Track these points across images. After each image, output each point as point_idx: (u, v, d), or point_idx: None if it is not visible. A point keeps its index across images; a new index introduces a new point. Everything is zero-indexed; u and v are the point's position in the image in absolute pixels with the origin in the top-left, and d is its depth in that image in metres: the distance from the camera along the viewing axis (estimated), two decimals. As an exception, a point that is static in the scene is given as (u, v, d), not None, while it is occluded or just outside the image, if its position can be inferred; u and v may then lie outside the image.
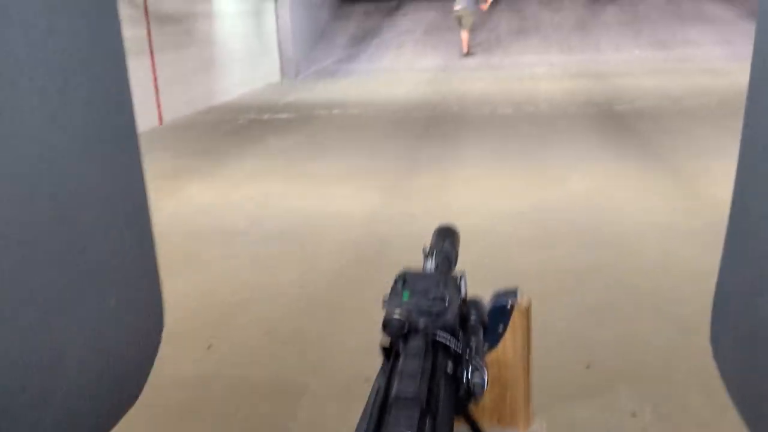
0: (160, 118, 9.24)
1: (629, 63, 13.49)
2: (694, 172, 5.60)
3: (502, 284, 3.59)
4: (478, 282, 3.13)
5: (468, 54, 14.46)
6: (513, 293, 1.07)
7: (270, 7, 13.58)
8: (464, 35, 14.39)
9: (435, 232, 1.07)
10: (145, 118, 8.80)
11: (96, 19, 0.89)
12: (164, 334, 3.08)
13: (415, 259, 3.32)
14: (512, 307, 1.05)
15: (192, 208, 5.28)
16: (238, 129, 8.68)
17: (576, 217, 4.63)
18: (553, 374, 2.68)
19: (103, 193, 0.93)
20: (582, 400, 2.52)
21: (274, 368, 2.87)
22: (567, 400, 2.51)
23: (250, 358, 2.95)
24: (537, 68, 13.58)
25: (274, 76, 13.81)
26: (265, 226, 4.74)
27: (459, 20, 14.28)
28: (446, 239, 1.03)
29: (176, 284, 3.80)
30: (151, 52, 9.06)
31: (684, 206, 4.74)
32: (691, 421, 2.38)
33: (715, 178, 5.38)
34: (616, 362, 2.76)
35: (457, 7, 14.09)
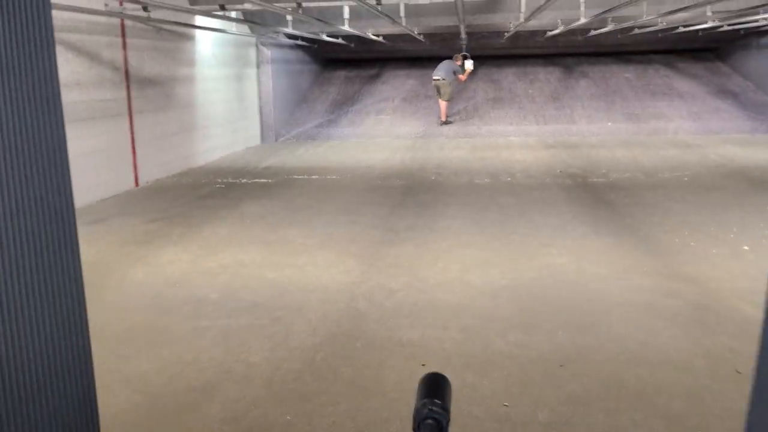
0: (136, 180, 9.13)
1: (602, 134, 13.79)
2: (670, 249, 5.61)
3: (482, 370, 3.47)
4: (458, 368, 3.03)
5: (446, 122, 14.68)
6: None
7: (252, 72, 13.73)
8: (442, 104, 14.64)
9: (421, 383, 0.93)
10: (120, 180, 8.69)
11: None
12: (122, 420, 2.89)
13: (392, 338, 3.22)
14: None
15: (162, 276, 5.12)
16: (214, 193, 8.59)
17: (555, 294, 4.57)
18: (536, 471, 2.55)
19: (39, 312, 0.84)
20: (566, 500, 2.38)
21: (241, 460, 2.70)
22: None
23: (215, 449, 2.78)
24: (513, 137, 13.80)
25: (255, 139, 13.85)
26: (237, 298, 4.60)
27: (438, 89, 14.56)
28: (436, 396, 0.88)
29: (140, 363, 3.62)
30: (130, 114, 9.02)
31: (661, 285, 4.71)
32: None
33: (693, 255, 5.39)
34: (600, 457, 2.64)
35: (436, 76, 14.38)
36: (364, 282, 4.90)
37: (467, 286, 4.77)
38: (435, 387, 0.89)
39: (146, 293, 4.75)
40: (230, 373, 3.47)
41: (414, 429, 0.84)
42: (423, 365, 3.52)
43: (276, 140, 14.23)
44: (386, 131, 14.55)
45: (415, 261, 5.41)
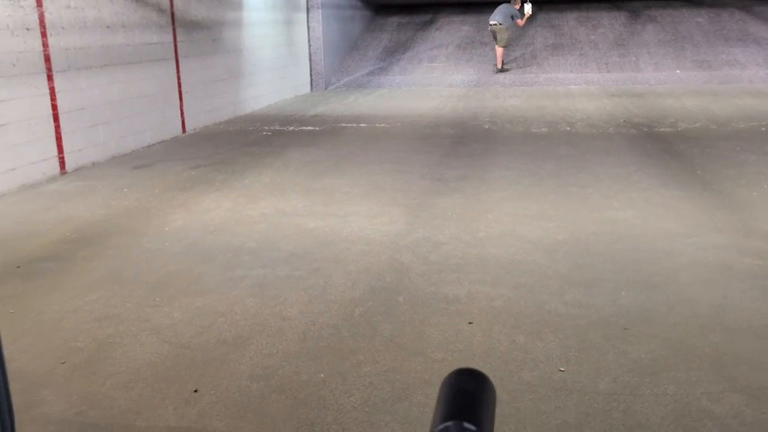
0: (183, 127, 8.99)
1: (670, 83, 12.95)
2: (747, 203, 5.10)
3: (535, 331, 3.14)
4: (509, 328, 2.72)
5: (502, 70, 14.04)
6: None
7: (302, 17, 13.33)
8: (499, 50, 13.98)
9: (445, 387, 0.56)
10: (167, 126, 8.55)
11: None
12: (147, 373, 2.70)
13: (436, 294, 2.91)
14: None
15: (201, 223, 4.94)
16: (260, 140, 8.37)
17: (617, 250, 4.18)
18: (595, 448, 2.25)
19: None
20: (630, 484, 2.08)
21: (267, 423, 2.48)
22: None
23: (240, 409, 2.57)
24: (573, 86, 13.11)
25: (304, 87, 13.54)
26: (275, 248, 4.38)
27: (494, 35, 13.89)
28: (470, 416, 0.52)
29: (171, 312, 3.44)
30: (177, 59, 8.82)
31: (739, 243, 4.26)
32: None
33: (773, 212, 4.89)
34: (670, 436, 2.32)
35: (493, 21, 13.70)
36: (409, 234, 4.61)
37: (520, 240, 4.43)
38: (468, 397, 0.53)
39: (183, 240, 4.58)
40: (263, 326, 3.26)
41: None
42: (470, 323, 3.23)
43: (325, 88, 13.90)
44: (439, 79, 14.02)
45: (464, 212, 5.07)
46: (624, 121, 9.03)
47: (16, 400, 2.62)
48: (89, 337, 3.20)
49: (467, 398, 0.53)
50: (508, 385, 2.67)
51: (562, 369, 2.79)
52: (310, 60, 13.79)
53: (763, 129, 8.13)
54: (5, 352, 2.61)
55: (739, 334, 3.05)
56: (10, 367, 2.85)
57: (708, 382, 2.66)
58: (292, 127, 9.30)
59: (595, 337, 3.06)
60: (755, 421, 2.38)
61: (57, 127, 6.56)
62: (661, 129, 8.35)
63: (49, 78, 6.45)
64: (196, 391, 2.69)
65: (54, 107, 6.51)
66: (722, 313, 3.27)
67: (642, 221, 4.74)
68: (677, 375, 2.71)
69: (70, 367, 2.91)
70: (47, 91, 6.42)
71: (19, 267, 4.14)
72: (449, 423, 0.49)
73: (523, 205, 5.22)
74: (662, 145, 7.36)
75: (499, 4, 13.95)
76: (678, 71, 13.53)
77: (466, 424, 0.49)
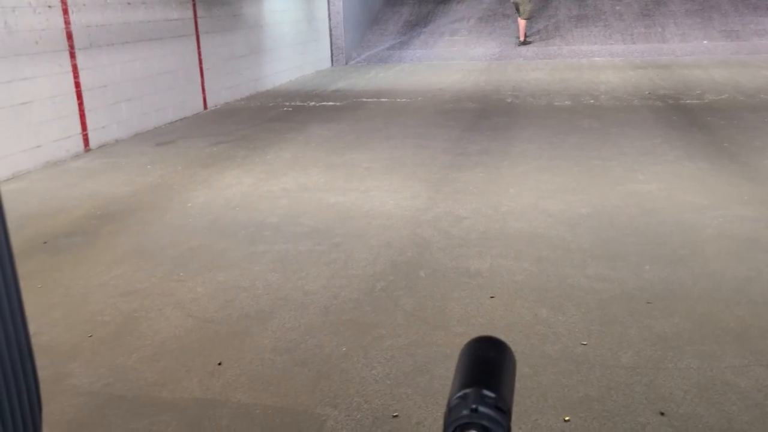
0: (205, 103, 9.01)
1: (697, 53, 12.66)
2: (776, 176, 5.00)
3: (557, 305, 3.13)
4: (531, 302, 2.71)
5: (525, 42, 13.83)
6: None
7: (321, -9, 13.23)
8: (521, 23, 13.76)
9: (464, 356, 0.54)
10: (189, 103, 8.58)
11: None
12: (173, 346, 2.74)
13: (458, 268, 2.90)
14: None
15: (224, 199, 4.97)
16: (281, 116, 8.37)
17: (642, 224, 4.13)
18: (622, 421, 2.24)
19: None
20: (653, 457, 2.07)
21: (290, 395, 2.51)
22: (634, 457, 2.07)
23: (263, 381, 2.60)
24: (597, 58, 12.88)
25: (324, 62, 13.48)
26: (297, 223, 4.40)
27: (516, 7, 13.67)
28: (488, 384, 0.50)
29: (195, 287, 3.48)
30: (197, 35, 8.82)
31: (766, 215, 4.18)
32: (792, 494, 1.92)
33: (803, 184, 4.79)
34: (696, 410, 2.30)
35: (515, -8, 13.47)
36: (430, 208, 4.59)
37: (543, 214, 4.39)
38: (487, 365, 0.52)
39: (206, 216, 4.61)
40: (285, 301, 3.28)
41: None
42: (492, 297, 3.23)
43: (346, 63, 13.82)
44: (460, 53, 13.86)
45: (486, 187, 5.04)
46: (649, 93, 8.86)
47: (45, 372, 2.69)
48: (115, 311, 3.25)
49: (486, 366, 0.52)
50: (530, 359, 2.67)
51: (585, 343, 2.77)
52: (331, 35, 13.71)
53: (794, 100, 7.94)
54: (34, 325, 2.66)
55: (765, 307, 3.01)
56: (39, 340, 2.91)
57: (733, 355, 2.63)
58: (313, 103, 9.28)
59: (618, 311, 3.03)
60: (781, 395, 2.36)
61: (80, 105, 6.61)
62: (687, 101, 8.19)
63: (72, 55, 6.49)
64: (220, 364, 2.73)
65: (77, 85, 6.56)
66: (748, 286, 3.23)
67: (667, 194, 4.67)
68: (701, 348, 2.69)
69: (97, 341, 2.97)
70: (70, 69, 6.47)
71: (46, 242, 4.21)
72: (468, 390, 0.48)
73: (546, 178, 5.17)
74: (688, 117, 7.22)
75: (522, -26, 13.71)
76: (705, 42, 13.23)
77: (485, 391, 0.48)
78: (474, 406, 0.48)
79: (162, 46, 7.98)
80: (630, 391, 2.42)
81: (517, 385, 2.50)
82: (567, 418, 2.27)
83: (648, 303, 3.10)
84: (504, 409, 0.48)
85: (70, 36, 6.45)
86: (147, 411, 2.43)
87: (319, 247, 3.97)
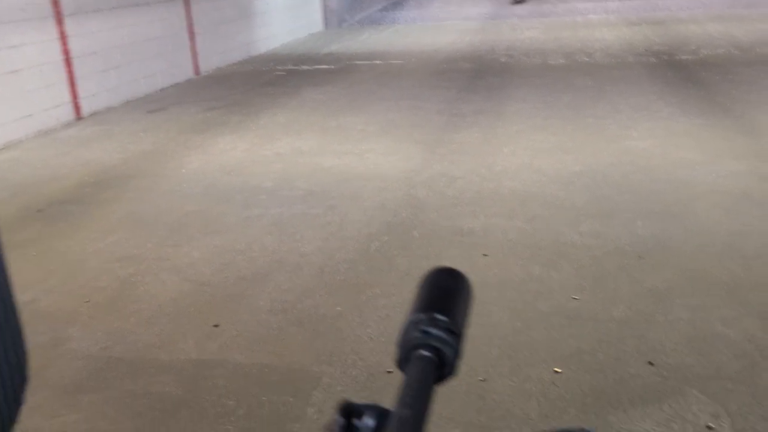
0: (196, 69, 8.92)
1: (692, 8, 12.51)
2: (770, 130, 4.99)
3: (550, 262, 3.14)
4: (524, 260, 2.73)
5: (519, 1, 13.65)
6: None
7: (311, -49, 12.99)
8: (516, -20, 13.56)
9: (421, 285, 0.55)
10: (180, 69, 8.49)
11: None
12: (169, 309, 2.77)
13: (452, 228, 2.91)
14: None
15: (218, 164, 4.96)
16: (274, 80, 8.30)
17: (635, 181, 4.14)
18: (612, 372, 2.28)
19: None
20: (645, 406, 2.11)
21: (286, 354, 2.54)
22: (627, 408, 2.11)
23: (259, 341, 2.63)
24: (592, 15, 12.73)
25: (317, 25, 13.31)
26: (292, 186, 4.40)
27: (510, -36, 13.45)
28: (442, 309, 0.51)
29: (190, 252, 3.50)
30: None
31: (759, 169, 4.19)
32: (777, 439, 1.96)
33: (797, 138, 4.78)
34: (684, 360, 2.34)
35: (509, -51, 13.25)
36: (424, 169, 4.59)
37: (537, 173, 4.39)
38: (441, 293, 0.53)
39: (201, 182, 4.61)
40: (281, 263, 3.30)
41: (397, 362, 0.50)
42: (485, 255, 3.25)
43: (339, 25, 13.64)
44: (454, 13, 13.69)
45: (480, 147, 5.03)
46: (644, 49, 8.78)
47: (43, 338, 2.71)
48: (112, 276, 3.27)
49: (441, 293, 0.53)
50: (522, 315, 2.70)
51: (577, 298, 2.80)
52: (322, -3, 13.51)
53: (790, 54, 7.88)
54: (31, 293, 2.68)
55: (757, 261, 3.03)
56: (37, 306, 2.94)
57: (723, 307, 2.66)
58: (306, 66, 9.19)
59: (611, 267, 3.06)
60: (769, 344, 2.39)
61: (70, 72, 6.54)
62: (683, 56, 8.13)
63: (59, 22, 6.40)
64: (216, 325, 2.76)
65: (65, 52, 6.48)
66: (740, 240, 3.25)
67: (661, 150, 4.66)
68: (692, 302, 2.72)
69: (94, 306, 2.99)
70: (58, 36, 6.38)
71: (40, 211, 4.21)
72: (421, 314, 0.50)
73: (540, 137, 5.16)
74: (683, 73, 7.17)
75: (516, -70, 13.47)
76: (702, -4, 13.06)
77: (438, 315, 0.50)
78: (425, 329, 0.49)
79: (151, 11, 7.87)
80: (620, 343, 2.46)
81: (510, 339, 2.53)
82: (558, 370, 2.31)
83: (640, 258, 3.12)
84: (455, 332, 0.49)
85: (56, 2, 6.35)
86: (145, 372, 2.47)
87: (314, 210, 3.98)
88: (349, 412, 0.36)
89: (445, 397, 2.23)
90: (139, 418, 2.22)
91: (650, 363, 2.32)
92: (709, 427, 2.01)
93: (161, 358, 2.56)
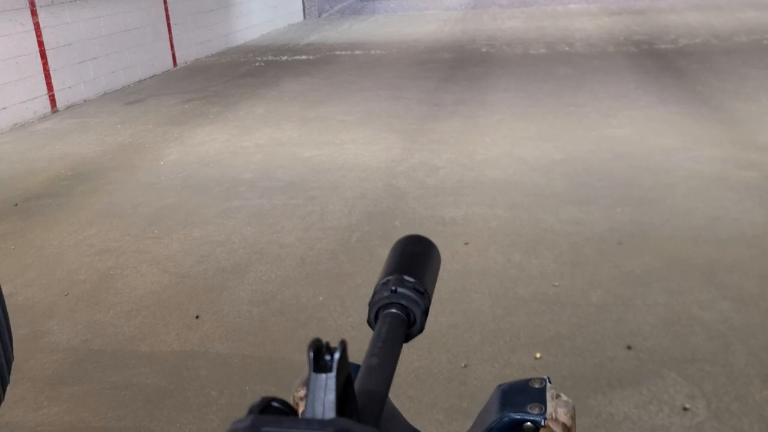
0: (174, 60, 8.83)
1: (672, -2, 12.60)
2: (746, 117, 5.06)
3: (530, 249, 3.17)
4: (504, 247, 2.74)
5: (499, -10, 13.66)
6: (538, 396, 0.50)
7: (290, -59, 12.88)
8: (495, -30, 13.56)
9: (392, 251, 0.59)
10: (158, 60, 8.40)
11: None
12: (149, 302, 2.74)
13: (433, 217, 2.94)
14: (537, 429, 0.49)
15: (197, 156, 4.93)
16: (253, 71, 8.24)
17: (614, 168, 4.17)
18: (591, 356, 2.31)
19: None
20: (623, 389, 2.14)
21: (267, 344, 2.54)
22: (606, 390, 2.14)
23: (241, 332, 2.63)
24: (573, 5, 12.77)
25: (296, 15, 13.22)
26: (271, 177, 4.38)
27: (490, -47, 13.44)
28: (410, 271, 0.53)
29: (170, 244, 3.48)
30: (163, -10, 8.58)
31: (735, 156, 4.25)
32: (753, 417, 2.00)
33: (772, 124, 4.85)
34: (662, 343, 2.37)
35: (489, -61, 13.23)
36: (405, 159, 4.59)
37: (517, 161, 4.41)
38: (409, 257, 0.57)
39: (179, 174, 4.58)
40: (261, 254, 3.29)
41: (369, 320, 0.53)
42: (466, 244, 3.26)
43: (319, 16, 13.57)
44: (435, 3, 13.67)
45: (461, 136, 5.04)
46: (624, 39, 8.84)
47: (23, 331, 2.68)
48: (91, 269, 3.24)
49: (409, 257, 0.56)
50: (503, 301, 2.72)
51: (556, 284, 2.83)
52: (302, -13, 13.41)
53: (765, 42, 7.97)
54: (9, 286, 2.66)
55: (732, 245, 3.08)
56: (15, 300, 2.91)
57: (699, 290, 2.70)
58: (285, 57, 9.14)
59: (590, 253, 3.09)
60: (743, 326, 2.43)
61: (45, 64, 6.45)
62: (662, 46, 8.19)
63: (33, 13, 6.30)
64: (197, 317, 2.75)
65: (40, 44, 6.38)
66: (716, 224, 3.30)
67: (640, 138, 4.71)
68: (669, 285, 2.76)
69: (73, 299, 2.97)
70: (32, 27, 6.28)
71: (17, 205, 4.16)
72: (390, 276, 0.52)
73: (521, 126, 5.18)
74: (662, 62, 7.23)
75: None
76: (680, -15, 13.14)
77: (406, 276, 0.53)
78: (394, 288, 0.52)
79: (127, 1, 7.77)
80: (599, 327, 2.49)
81: (491, 326, 2.55)
82: (538, 355, 2.33)
83: (619, 243, 3.16)
84: (422, 292, 0.52)
85: (30, -7, 6.25)
86: (126, 364, 2.46)
87: (295, 200, 3.97)
88: (319, 347, 0.37)
89: (427, 383, 2.24)
90: (121, 409, 2.21)
91: (628, 347, 2.36)
92: (685, 408, 2.04)
93: (142, 350, 2.54)
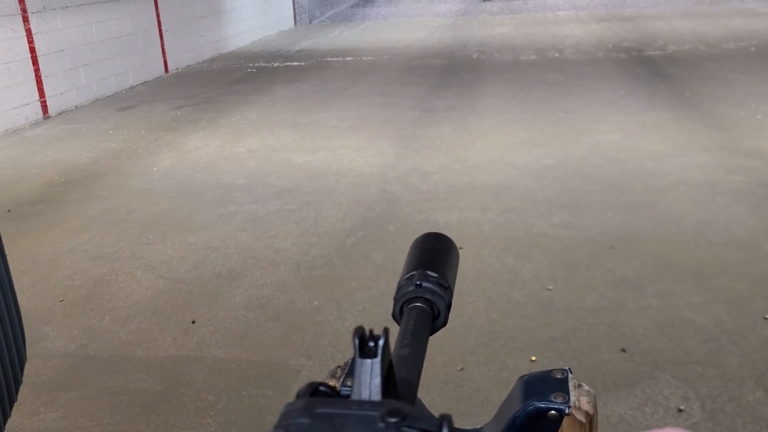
0: (166, 67, 8.83)
1: (660, 5, 12.73)
2: (735, 122, 5.12)
3: (523, 253, 3.19)
4: (498, 251, 2.77)
5: (489, -3, 13.76)
6: (560, 386, 0.51)
7: (281, -52, 12.92)
8: (485, -23, 13.66)
9: (413, 248, 0.60)
10: (149, 67, 8.40)
11: None
12: (145, 307, 2.75)
13: (427, 221, 2.95)
14: (561, 417, 0.50)
15: (190, 162, 4.93)
16: (245, 77, 8.26)
17: (605, 173, 4.21)
18: (586, 359, 2.34)
19: None
20: (620, 391, 2.17)
21: (264, 349, 2.55)
22: (601, 393, 2.16)
23: (237, 337, 2.64)
24: (562, 12, 12.88)
25: (287, 22, 13.25)
26: (265, 183, 4.39)
27: (480, -39, 13.54)
28: (433, 266, 0.55)
29: (165, 249, 3.48)
30: (155, -3, 8.59)
31: (724, 161, 4.30)
32: (747, 417, 2.03)
33: (760, 129, 4.91)
34: (656, 345, 2.40)
35: (479, -54, 13.33)
36: (398, 164, 4.62)
37: (509, 166, 4.45)
38: (431, 253, 0.58)
39: (173, 180, 4.58)
40: (256, 259, 3.30)
41: (394, 314, 0.55)
42: (460, 248, 3.28)
43: (310, 22, 13.61)
44: (425, 9, 13.74)
45: (453, 142, 5.07)
46: (613, 45, 8.92)
47: (17, 337, 2.65)
48: (85, 275, 3.24)
49: (430, 253, 0.58)
50: (497, 305, 2.74)
51: (550, 288, 2.85)
52: (293, -6, 13.45)
53: (752, 49, 8.07)
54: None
55: (723, 248, 3.12)
56: (9, 306, 2.89)
57: (691, 294, 2.73)
58: (277, 63, 9.16)
59: (583, 257, 3.12)
60: (734, 328, 2.47)
61: (36, 71, 6.44)
62: (651, 52, 8.27)
63: (25, 19, 6.29)
64: (193, 322, 2.76)
65: (32, 50, 6.37)
66: (707, 228, 3.34)
67: (630, 144, 4.76)
68: (661, 289, 2.79)
69: (68, 304, 2.96)
70: (24, 34, 6.27)
71: (9, 211, 4.14)
72: (414, 272, 0.54)
73: (512, 132, 5.22)
74: (652, 69, 7.30)
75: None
76: (668, -7, 13.29)
77: (429, 272, 0.55)
78: (419, 283, 0.54)
79: (119, 7, 7.77)
80: (593, 330, 2.52)
81: (486, 329, 2.57)
82: (533, 358, 2.35)
83: (611, 248, 3.19)
84: (445, 286, 0.54)
85: (22, -1, 6.25)
86: (122, 369, 2.46)
87: (289, 206, 3.98)
88: (363, 334, 0.39)
89: (423, 386, 2.26)
90: (118, 414, 2.21)
91: (622, 349, 2.38)
92: (680, 410, 2.07)
93: (139, 355, 2.54)
